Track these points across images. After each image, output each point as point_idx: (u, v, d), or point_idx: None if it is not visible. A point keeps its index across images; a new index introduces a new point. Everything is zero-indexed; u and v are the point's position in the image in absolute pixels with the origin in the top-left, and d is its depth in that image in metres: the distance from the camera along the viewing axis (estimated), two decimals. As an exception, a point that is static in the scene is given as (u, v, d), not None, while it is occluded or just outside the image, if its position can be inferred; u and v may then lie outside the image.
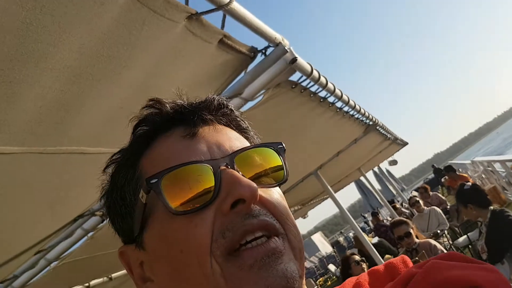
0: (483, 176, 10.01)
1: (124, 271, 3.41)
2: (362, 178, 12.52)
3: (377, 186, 14.10)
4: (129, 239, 0.57)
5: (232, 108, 0.63)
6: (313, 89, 2.39)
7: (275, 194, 0.55)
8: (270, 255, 0.48)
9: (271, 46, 1.74)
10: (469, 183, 3.66)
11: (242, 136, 0.62)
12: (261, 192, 0.52)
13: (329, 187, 5.32)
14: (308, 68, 1.98)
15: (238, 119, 0.63)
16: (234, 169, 0.52)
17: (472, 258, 0.52)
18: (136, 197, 0.55)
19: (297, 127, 3.11)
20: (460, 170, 12.35)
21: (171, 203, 0.50)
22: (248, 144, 0.59)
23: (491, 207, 3.38)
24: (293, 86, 2.17)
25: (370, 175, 13.51)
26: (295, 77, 2.14)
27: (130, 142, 0.60)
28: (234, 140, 0.58)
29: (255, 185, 0.50)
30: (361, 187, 14.24)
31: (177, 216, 0.50)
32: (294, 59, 1.78)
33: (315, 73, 2.14)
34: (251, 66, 1.81)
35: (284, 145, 0.59)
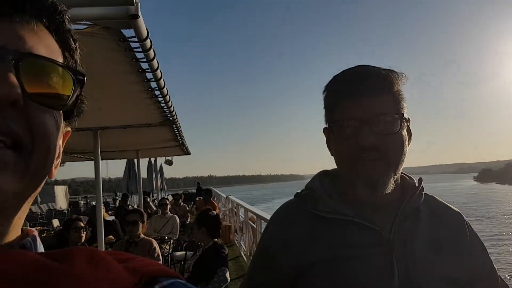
0: (228, 213, 11.31)
1: None
2: (135, 160, 12.46)
3: (144, 174, 14.21)
4: None
5: (68, 19, 0.53)
6: (138, 55, 2.30)
7: (49, 119, 0.47)
8: None
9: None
10: (214, 212, 4.05)
11: (61, 51, 0.52)
12: (34, 112, 0.44)
13: (99, 151, 5.08)
14: (145, 33, 1.91)
15: (69, 34, 0.53)
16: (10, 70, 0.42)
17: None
18: None
19: (102, 81, 2.89)
20: (215, 198, 13.66)
21: None
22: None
23: (216, 240, 3.81)
24: (121, 40, 2.04)
25: (144, 162, 13.55)
26: (127, 33, 2.02)
27: None
28: (43, 47, 0.47)
29: (17, 87, 0.42)
30: (129, 168, 14.07)
31: None
32: (136, 16, 1.68)
33: (147, 42, 2.07)
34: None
35: (85, 79, 0.52)
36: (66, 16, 0.53)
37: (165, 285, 0.46)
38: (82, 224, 4.16)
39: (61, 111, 0.50)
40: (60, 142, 0.52)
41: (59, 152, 0.53)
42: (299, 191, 1.12)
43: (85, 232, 4.18)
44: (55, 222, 11.61)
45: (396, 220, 0.95)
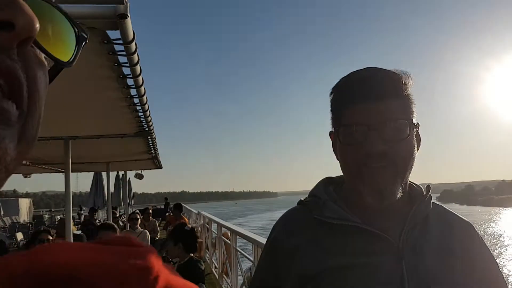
0: (200, 229, 11.10)
1: None
2: (104, 173, 12.09)
3: (112, 189, 13.81)
4: None
5: None
6: (121, 59, 2.22)
7: (44, 77, 0.36)
8: None
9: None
10: (190, 226, 3.94)
11: None
12: (33, 65, 0.34)
13: (70, 162, 4.88)
14: (131, 35, 1.84)
15: None
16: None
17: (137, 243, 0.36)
18: None
19: (78, 86, 2.77)
20: (185, 214, 13.42)
21: None
22: None
23: (192, 254, 3.69)
24: (105, 42, 1.96)
25: (112, 175, 13.16)
26: (112, 34, 1.95)
27: None
28: None
29: (36, 21, 0.32)
30: (97, 181, 13.65)
31: None
32: (125, 15, 1.62)
33: (132, 46, 2.00)
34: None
35: (87, 38, 0.42)
36: None
37: None
38: (49, 237, 3.94)
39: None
40: None
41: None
42: (302, 198, 1.08)
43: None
44: (19, 236, 11.15)
45: (405, 227, 0.92)
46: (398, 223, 0.93)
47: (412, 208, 0.94)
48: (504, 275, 0.99)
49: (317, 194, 1.02)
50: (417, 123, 0.93)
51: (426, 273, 0.88)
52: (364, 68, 0.96)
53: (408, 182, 0.97)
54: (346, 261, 0.90)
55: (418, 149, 0.94)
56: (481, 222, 52.85)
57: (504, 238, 36.08)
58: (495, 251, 27.26)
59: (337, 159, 0.99)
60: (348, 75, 0.96)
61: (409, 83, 0.92)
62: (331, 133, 1.00)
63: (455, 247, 0.94)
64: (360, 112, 0.89)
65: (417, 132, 0.94)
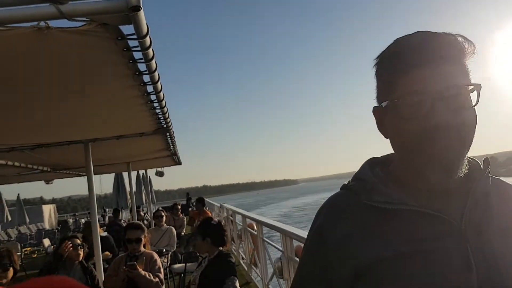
0: (223, 221, 11.13)
1: None
2: (125, 173, 12.20)
3: (134, 188, 13.97)
4: None
5: None
6: (136, 55, 2.16)
7: None
8: None
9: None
10: (216, 220, 3.91)
11: None
12: None
13: (92, 165, 4.90)
14: (145, 28, 1.77)
15: None
16: None
17: None
18: None
19: (95, 87, 2.74)
20: (207, 207, 13.47)
21: None
22: None
23: (221, 248, 3.67)
24: (120, 38, 1.89)
25: (133, 174, 13.30)
26: (125, 30, 1.88)
27: None
28: None
29: None
30: (119, 181, 13.81)
31: None
32: (138, 8, 1.54)
33: (147, 39, 1.93)
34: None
35: None
36: None
37: None
38: (79, 241, 3.95)
39: None
40: None
41: None
42: (345, 182, 0.99)
43: (82, 249, 3.97)
44: (46, 242, 11.40)
45: (466, 207, 0.83)
46: (458, 203, 0.84)
47: (471, 185, 0.86)
48: None
49: (363, 177, 0.94)
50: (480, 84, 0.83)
51: (493, 256, 0.80)
52: (415, 32, 0.85)
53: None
54: (404, 249, 0.82)
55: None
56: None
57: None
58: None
59: (386, 137, 0.90)
60: (396, 41, 0.86)
61: (469, 45, 0.82)
62: (375, 109, 0.91)
63: None
64: (421, 78, 0.79)
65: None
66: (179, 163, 9.79)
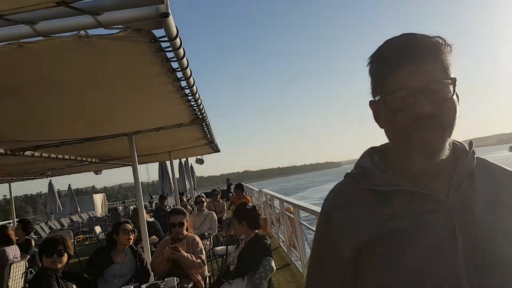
0: (262, 206, 11.38)
1: None
2: (168, 162, 12.69)
3: (177, 175, 14.48)
4: None
5: None
6: (168, 55, 2.35)
7: None
8: None
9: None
10: (251, 204, 4.10)
11: None
12: None
13: (136, 155, 5.23)
14: (175, 31, 1.94)
15: None
16: None
17: None
18: None
19: (134, 83, 2.97)
20: (247, 192, 13.77)
21: None
22: None
23: (257, 231, 3.86)
24: (153, 41, 2.08)
25: (175, 162, 13.79)
26: (157, 33, 2.06)
27: None
28: None
29: None
30: (163, 169, 14.38)
31: None
32: (167, 14, 1.71)
33: (177, 41, 2.10)
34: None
35: None
36: None
37: None
38: (130, 227, 4.29)
39: None
40: None
41: None
42: (349, 171, 1.12)
43: (133, 234, 4.32)
44: (97, 229, 12.04)
45: (452, 185, 0.95)
46: (446, 182, 0.95)
47: (457, 165, 0.97)
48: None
49: (363, 165, 1.06)
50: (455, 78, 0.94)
51: (476, 227, 0.91)
52: (400, 35, 0.97)
53: (452, 140, 0.99)
54: (400, 225, 0.94)
55: (459, 106, 0.95)
56: None
57: None
58: None
59: (381, 127, 1.02)
60: (385, 42, 0.98)
61: (447, 46, 0.93)
62: (371, 103, 1.03)
63: (503, 198, 0.95)
64: (405, 76, 0.91)
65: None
66: (217, 150, 10.10)
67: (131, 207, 20.35)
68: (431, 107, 0.89)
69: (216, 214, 8.16)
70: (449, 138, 0.93)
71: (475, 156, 1.00)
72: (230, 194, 16.04)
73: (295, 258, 7.06)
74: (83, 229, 15.84)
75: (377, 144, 1.13)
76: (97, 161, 8.03)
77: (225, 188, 23.01)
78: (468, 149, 1.01)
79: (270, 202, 10.15)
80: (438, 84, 0.90)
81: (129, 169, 9.57)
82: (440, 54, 0.92)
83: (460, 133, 0.97)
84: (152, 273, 4.35)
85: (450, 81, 0.91)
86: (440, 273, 0.90)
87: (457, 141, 1.03)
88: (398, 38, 0.97)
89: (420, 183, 0.96)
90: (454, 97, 0.93)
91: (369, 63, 1.01)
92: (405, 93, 0.91)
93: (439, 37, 0.93)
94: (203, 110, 4.28)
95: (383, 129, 1.02)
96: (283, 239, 8.25)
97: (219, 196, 10.32)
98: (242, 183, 11.05)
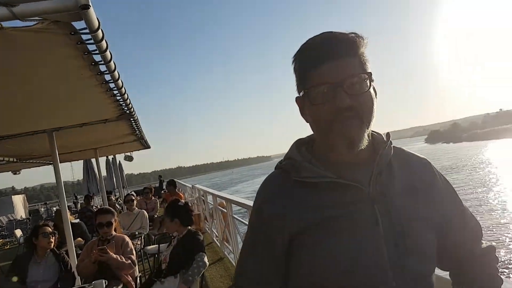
0: (195, 202, 11.29)
1: None
2: (93, 160, 12.10)
3: (104, 173, 13.83)
4: None
5: None
6: (90, 47, 2.24)
7: None
8: None
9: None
10: (183, 201, 4.05)
11: None
12: None
13: (57, 153, 4.92)
14: (96, 23, 1.86)
15: None
16: None
17: None
18: None
19: (54, 77, 2.79)
20: (180, 189, 13.57)
21: None
22: None
23: (190, 227, 3.83)
24: (72, 33, 1.97)
25: (102, 160, 13.18)
26: (78, 25, 1.96)
27: None
28: None
29: None
30: (88, 168, 13.66)
31: None
32: (87, 6, 1.64)
33: (99, 33, 2.01)
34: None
35: None
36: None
37: None
38: (50, 229, 4.04)
39: None
40: None
41: None
42: (279, 163, 1.16)
43: (53, 237, 4.06)
44: (18, 232, 11.24)
45: (372, 175, 1.02)
46: (367, 172, 1.03)
47: (377, 157, 1.05)
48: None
49: (292, 156, 1.11)
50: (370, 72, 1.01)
51: (395, 213, 1.00)
52: (320, 34, 1.03)
53: (371, 132, 1.07)
54: (328, 214, 1.00)
55: (376, 99, 1.03)
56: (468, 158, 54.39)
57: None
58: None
59: (307, 121, 1.07)
60: (307, 41, 1.03)
61: (364, 42, 1.00)
62: (297, 99, 1.08)
63: (417, 183, 1.06)
64: (325, 72, 0.97)
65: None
66: (147, 146, 9.82)
67: (54, 208, 19.15)
68: (351, 99, 0.95)
69: (148, 212, 7.95)
70: (368, 129, 1.00)
71: (392, 146, 1.09)
72: (162, 191, 15.68)
73: (228, 252, 7.12)
74: (3, 232, 14.92)
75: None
76: (15, 160, 7.43)
77: (157, 185, 22.45)
78: (386, 140, 1.09)
79: (203, 197, 10.10)
80: (356, 78, 0.97)
81: (51, 168, 8.98)
82: (357, 50, 0.99)
83: (379, 126, 1.05)
84: (78, 277, 4.15)
85: (367, 76, 0.99)
86: (366, 258, 0.97)
87: (375, 132, 1.11)
88: (318, 36, 1.02)
89: (345, 173, 1.02)
90: (371, 90, 1.00)
91: (293, 61, 1.06)
92: (326, 88, 0.97)
93: (354, 33, 1.00)
94: (130, 105, 4.13)
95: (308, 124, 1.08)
96: (217, 234, 8.27)
97: (151, 194, 10.05)
98: (175, 180, 10.84)
